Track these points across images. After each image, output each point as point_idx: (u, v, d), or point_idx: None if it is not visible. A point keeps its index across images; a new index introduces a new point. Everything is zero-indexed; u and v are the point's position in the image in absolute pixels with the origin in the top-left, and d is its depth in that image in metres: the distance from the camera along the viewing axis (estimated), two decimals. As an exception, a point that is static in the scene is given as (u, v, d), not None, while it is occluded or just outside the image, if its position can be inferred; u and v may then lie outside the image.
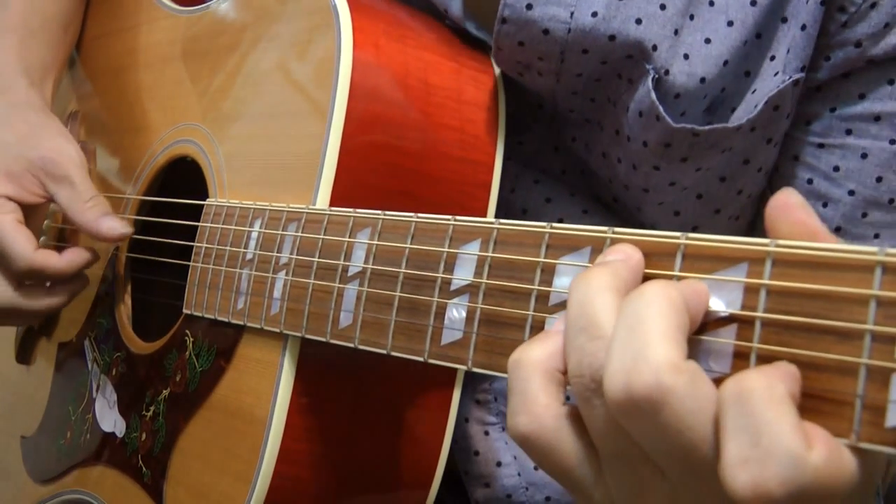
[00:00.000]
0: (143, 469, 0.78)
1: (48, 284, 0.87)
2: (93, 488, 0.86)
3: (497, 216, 0.74)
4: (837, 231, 0.74)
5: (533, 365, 0.43)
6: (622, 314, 0.40)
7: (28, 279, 0.85)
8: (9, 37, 0.93)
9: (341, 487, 0.70)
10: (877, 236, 0.74)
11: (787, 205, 0.41)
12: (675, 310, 0.39)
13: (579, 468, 0.43)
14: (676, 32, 0.67)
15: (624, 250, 0.44)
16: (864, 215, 0.73)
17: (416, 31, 0.75)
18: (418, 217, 0.57)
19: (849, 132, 0.72)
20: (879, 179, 0.72)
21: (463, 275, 0.53)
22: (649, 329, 0.38)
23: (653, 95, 0.67)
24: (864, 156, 0.72)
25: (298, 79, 0.73)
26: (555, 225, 0.49)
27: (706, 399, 0.38)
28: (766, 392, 0.36)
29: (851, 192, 0.73)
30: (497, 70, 0.77)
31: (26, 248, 0.82)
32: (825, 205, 0.74)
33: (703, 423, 0.38)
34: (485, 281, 0.51)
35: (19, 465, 1.00)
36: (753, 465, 0.35)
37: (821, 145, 0.73)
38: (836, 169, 0.73)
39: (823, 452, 0.35)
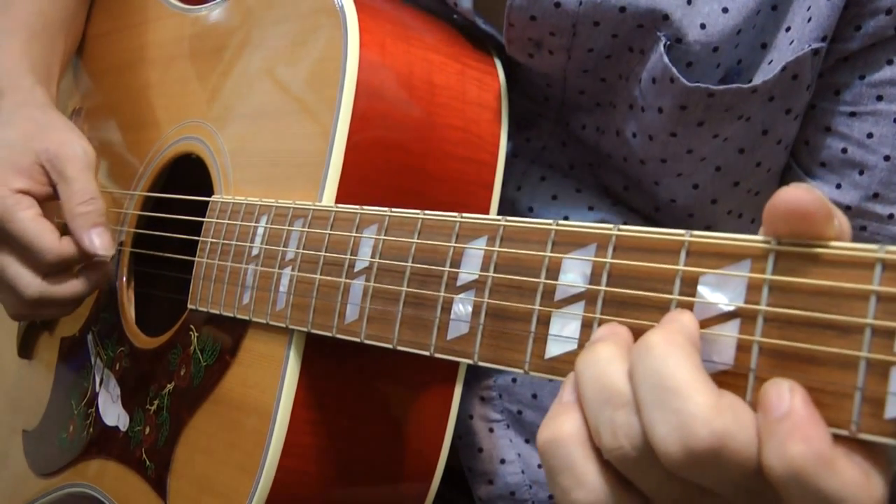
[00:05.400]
0: (147, 462, 0.79)
1: (75, 271, 0.86)
2: (95, 481, 0.87)
3: (503, 214, 0.75)
4: (875, 197, 0.74)
5: (570, 439, 0.43)
6: (639, 375, 0.40)
7: (57, 270, 0.84)
8: (12, 38, 0.94)
9: (344, 480, 0.71)
10: None
11: (807, 215, 0.39)
12: (687, 352, 0.40)
13: None
14: (689, 2, 0.68)
15: (610, 326, 0.45)
16: None
17: (421, 32, 0.76)
18: (425, 214, 0.58)
19: (879, 98, 0.73)
20: None
21: (469, 270, 0.54)
22: (678, 382, 0.39)
23: (665, 59, 0.68)
24: None
25: (304, 77, 0.74)
26: (560, 222, 0.50)
27: (752, 424, 0.39)
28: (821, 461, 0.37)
29: (887, 158, 0.73)
30: (501, 72, 0.78)
31: (53, 240, 0.82)
32: (861, 172, 0.74)
33: (755, 448, 0.39)
34: (491, 275, 0.52)
35: (21, 459, 1.00)
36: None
37: (852, 114, 0.74)
38: (870, 136, 0.73)
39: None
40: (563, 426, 0.43)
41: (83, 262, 0.85)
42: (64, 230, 0.85)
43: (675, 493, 0.42)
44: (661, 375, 0.39)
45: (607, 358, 0.42)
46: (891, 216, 0.74)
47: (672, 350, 0.40)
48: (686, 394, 0.39)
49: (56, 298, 0.85)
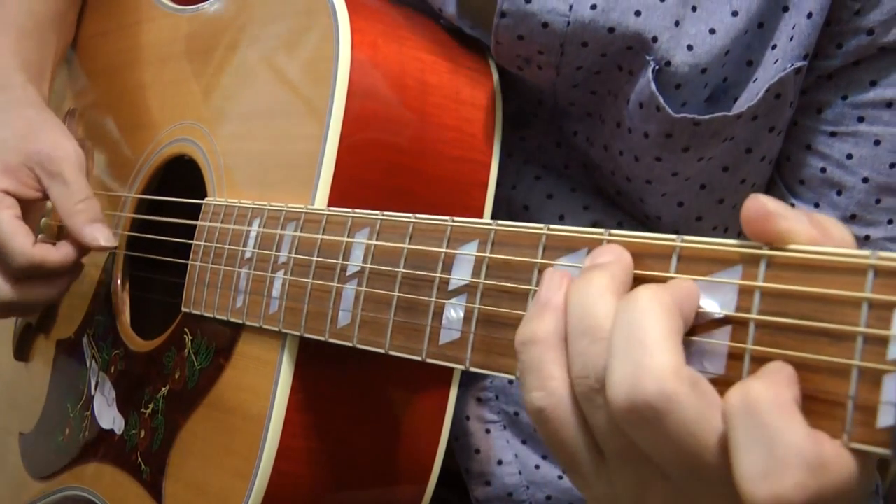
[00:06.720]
0: (142, 466, 0.79)
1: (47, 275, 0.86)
2: (91, 485, 0.87)
3: (498, 213, 0.75)
4: (852, 218, 0.74)
5: (544, 341, 0.44)
6: (617, 322, 0.41)
7: (27, 275, 0.85)
8: (3, 36, 0.93)
9: (339, 483, 0.71)
10: (890, 222, 0.74)
11: (767, 214, 0.40)
12: (670, 314, 0.40)
13: (583, 453, 0.44)
14: (677, 24, 0.68)
15: (614, 251, 0.45)
16: (878, 201, 0.74)
17: (413, 32, 0.76)
18: (416, 218, 0.58)
19: (861, 119, 0.72)
20: (893, 165, 0.73)
21: (461, 275, 0.53)
22: (647, 336, 0.39)
23: (653, 86, 0.67)
24: (876, 142, 0.72)
25: (296, 78, 0.73)
26: (552, 227, 0.49)
27: (709, 405, 0.39)
28: (774, 401, 0.37)
29: (865, 180, 0.73)
30: (495, 71, 0.77)
31: (25, 243, 0.82)
32: (839, 193, 0.74)
33: (706, 429, 0.38)
34: (482, 281, 0.52)
35: (17, 462, 1.00)
36: (772, 477, 0.36)
37: (833, 133, 0.74)
38: (850, 157, 0.73)
39: (833, 455, 0.36)
40: (539, 328, 0.44)
41: (53, 271, 0.85)
42: (56, 233, 0.85)
43: (622, 444, 0.42)
44: (634, 327, 0.40)
45: (598, 291, 0.43)
46: (867, 237, 0.74)
47: (654, 307, 0.40)
48: (649, 349, 0.39)
49: (26, 303, 0.85)
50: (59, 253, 0.85)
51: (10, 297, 0.85)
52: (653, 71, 0.67)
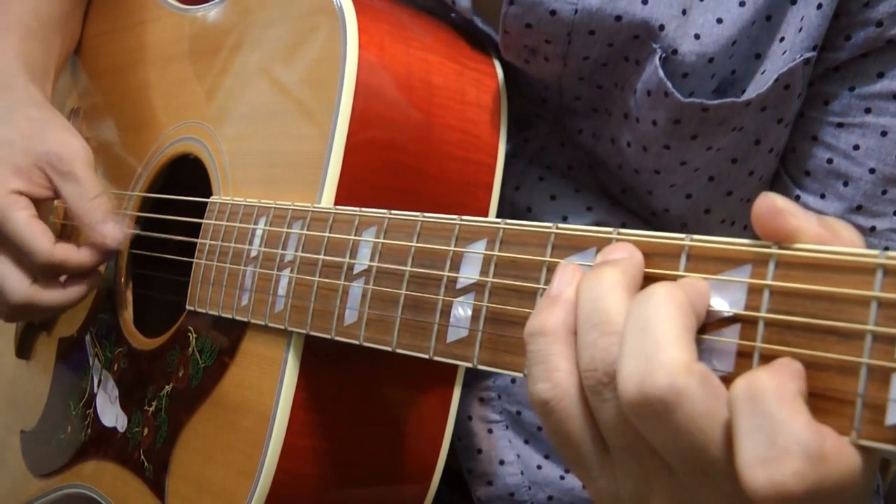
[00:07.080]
0: (145, 463, 0.79)
1: (63, 279, 0.86)
2: (93, 482, 0.87)
3: (502, 214, 0.75)
4: (858, 209, 0.74)
5: (553, 333, 0.44)
6: (631, 316, 0.41)
7: (47, 274, 0.84)
8: (7, 36, 0.93)
9: (343, 482, 0.71)
10: None
11: (776, 211, 0.41)
12: (683, 311, 0.40)
13: (588, 446, 0.44)
14: (684, 12, 0.68)
15: (626, 248, 0.46)
16: (885, 192, 0.74)
17: (420, 33, 0.76)
18: (424, 216, 0.58)
19: (868, 111, 0.72)
20: None
21: (469, 273, 0.54)
22: (660, 331, 0.40)
23: (660, 73, 0.68)
24: (883, 133, 0.72)
25: (302, 78, 0.74)
26: (560, 226, 0.49)
27: (717, 399, 0.39)
28: (778, 391, 0.37)
29: (872, 171, 0.73)
30: (500, 72, 0.77)
31: (45, 242, 0.81)
32: (846, 184, 0.74)
33: (714, 425, 0.39)
34: (490, 279, 0.52)
35: (18, 460, 1.00)
36: (771, 464, 0.36)
37: (840, 125, 0.74)
38: (856, 147, 0.73)
39: (834, 448, 0.37)
40: (548, 320, 0.45)
41: (74, 271, 0.85)
42: (59, 231, 0.84)
43: (628, 439, 0.42)
44: (648, 322, 0.40)
45: (609, 285, 0.43)
46: (873, 228, 0.75)
47: (669, 303, 0.40)
48: (662, 345, 0.39)
49: (42, 305, 0.85)
50: (81, 254, 0.84)
51: (28, 297, 0.84)
52: (660, 58, 0.68)
